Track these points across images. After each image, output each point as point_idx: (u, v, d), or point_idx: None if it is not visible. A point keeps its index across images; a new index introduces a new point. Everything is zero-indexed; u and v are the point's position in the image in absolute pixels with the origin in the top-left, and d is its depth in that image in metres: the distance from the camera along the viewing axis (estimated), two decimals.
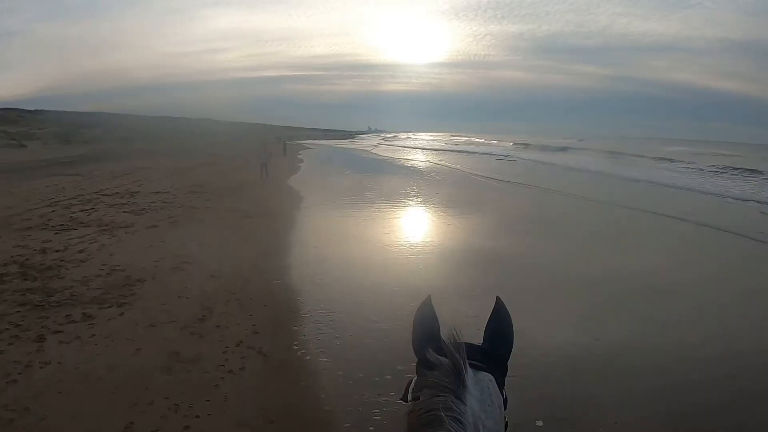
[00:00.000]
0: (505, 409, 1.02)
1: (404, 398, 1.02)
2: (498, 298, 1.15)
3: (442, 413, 0.84)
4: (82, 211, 11.88)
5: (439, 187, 19.75)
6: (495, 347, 1.08)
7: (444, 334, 1.00)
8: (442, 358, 0.93)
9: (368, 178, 22.21)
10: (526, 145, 58.84)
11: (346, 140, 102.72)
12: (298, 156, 39.08)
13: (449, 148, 57.82)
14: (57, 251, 8.38)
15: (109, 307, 5.88)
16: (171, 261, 7.53)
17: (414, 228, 11.50)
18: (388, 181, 21.08)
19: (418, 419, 0.87)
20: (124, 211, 11.89)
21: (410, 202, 14.98)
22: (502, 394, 1.02)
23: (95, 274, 7.07)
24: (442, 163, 33.95)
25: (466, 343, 0.97)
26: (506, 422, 1.00)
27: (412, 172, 26.92)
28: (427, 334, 1.06)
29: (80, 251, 8.33)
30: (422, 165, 32.76)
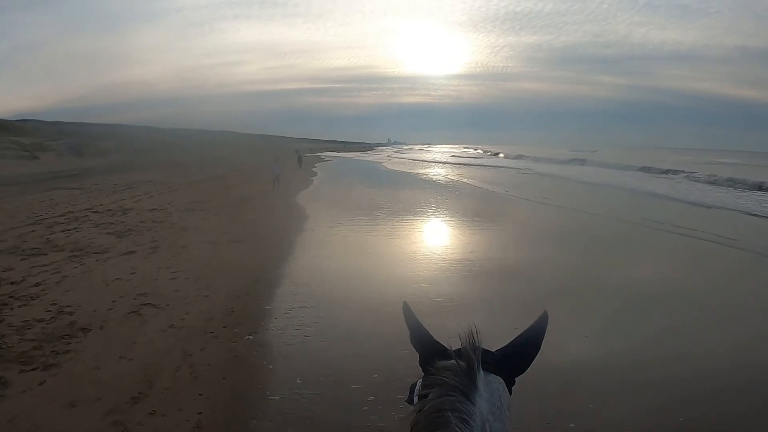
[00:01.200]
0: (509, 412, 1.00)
1: (409, 400, 1.00)
2: (545, 311, 1.14)
3: (449, 414, 0.84)
4: (64, 231, 10.83)
5: (453, 203, 18.26)
6: (515, 354, 1.05)
7: (461, 334, 0.97)
8: (454, 361, 0.92)
9: (381, 193, 20.82)
10: (536, 159, 56.32)
11: (365, 153, 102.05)
12: (313, 169, 38.14)
13: (460, 162, 55.35)
14: (12, 283, 7.23)
15: (32, 369, 4.61)
16: (130, 302, 6.23)
17: (432, 263, 9.05)
18: (401, 197, 19.67)
19: (425, 418, 0.86)
20: (107, 232, 10.78)
21: (423, 225, 13.54)
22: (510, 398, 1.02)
23: (38, 318, 5.85)
24: (448, 176, 32.45)
25: (481, 347, 0.98)
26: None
27: (426, 186, 25.45)
28: (426, 335, 1.07)
29: (36, 284, 7.15)
30: (434, 179, 31.23)
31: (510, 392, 1.02)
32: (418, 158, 65.05)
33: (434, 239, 11.81)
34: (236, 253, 8.99)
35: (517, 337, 1.09)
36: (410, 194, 20.69)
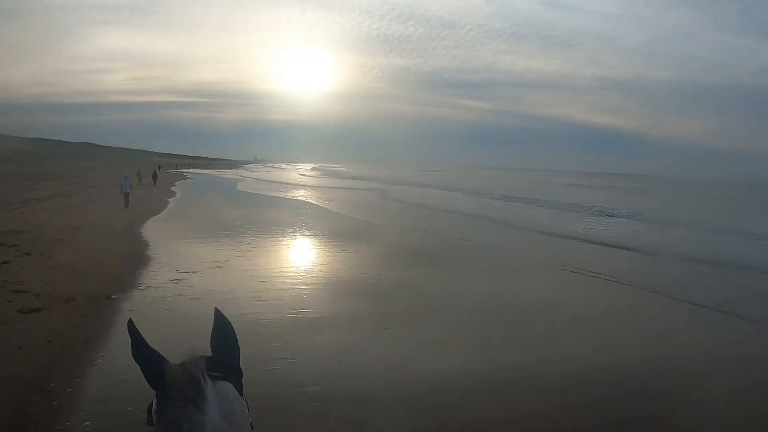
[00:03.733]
0: (248, 410, 1.04)
1: (149, 422, 0.98)
2: (216, 309, 1.15)
3: (184, 425, 0.86)
4: None
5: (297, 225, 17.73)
6: (224, 356, 1.08)
7: (181, 352, 1.00)
8: (178, 374, 0.94)
9: (238, 215, 19.40)
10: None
11: (230, 170, 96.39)
12: (172, 188, 34.56)
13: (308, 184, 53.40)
14: None
15: None
16: None
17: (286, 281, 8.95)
18: (259, 219, 18.54)
19: None
20: None
21: (276, 250, 12.67)
22: (243, 397, 1.04)
23: None
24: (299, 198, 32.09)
25: (204, 356, 1.02)
26: (251, 424, 1.03)
27: (277, 207, 24.52)
28: (152, 358, 1.02)
29: None
30: (286, 200, 30.41)
31: (242, 388, 1.07)
32: (275, 179, 59.91)
33: (289, 259, 11.85)
34: (27, 336, 5.91)
35: (213, 342, 1.12)
36: (266, 216, 19.65)
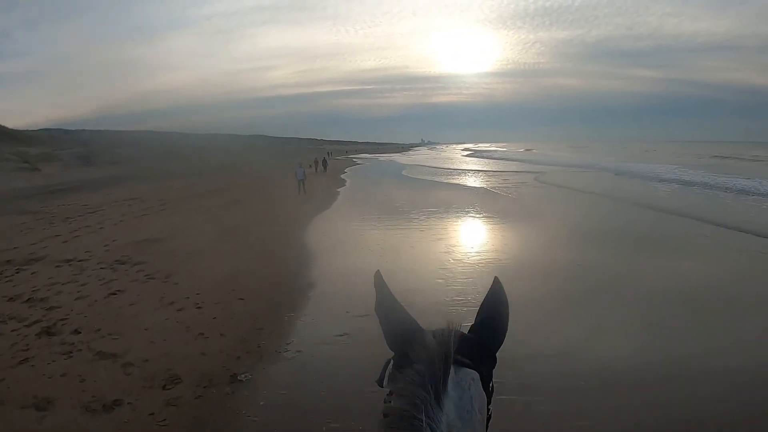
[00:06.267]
0: (489, 403, 0.91)
1: (380, 382, 0.91)
2: (496, 278, 1.00)
3: (414, 421, 0.75)
4: None
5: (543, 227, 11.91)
6: (484, 337, 0.93)
7: (436, 323, 0.88)
8: (424, 356, 0.80)
9: (428, 221, 14.35)
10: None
11: (403, 153, 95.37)
12: (342, 176, 32.35)
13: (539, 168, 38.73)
14: None
15: None
16: None
17: None
18: (456, 229, 13.38)
19: (389, 424, 0.78)
20: None
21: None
22: (489, 388, 0.91)
23: None
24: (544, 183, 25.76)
25: (461, 332, 0.90)
26: (490, 415, 0.91)
27: (494, 204, 19.03)
28: (397, 309, 0.93)
29: None
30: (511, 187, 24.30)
31: (489, 388, 0.92)
32: (439, 164, 55.86)
33: None
34: None
35: (479, 317, 0.97)
36: (488, 227, 14.24)
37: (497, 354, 0.92)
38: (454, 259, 8.46)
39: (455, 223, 12.75)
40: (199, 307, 5.68)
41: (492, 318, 0.95)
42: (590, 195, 19.31)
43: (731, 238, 10.42)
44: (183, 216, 13.54)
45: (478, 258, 8.59)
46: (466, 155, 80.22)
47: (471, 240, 10.79)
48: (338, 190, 22.18)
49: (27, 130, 56.72)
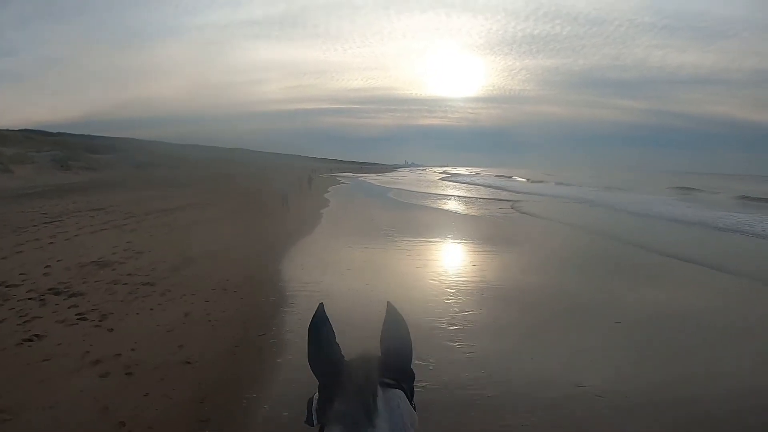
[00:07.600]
0: (416, 420, 0.96)
1: (309, 421, 0.94)
2: (389, 303, 1.06)
3: None
4: None
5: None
6: (398, 357, 0.99)
7: (349, 349, 0.93)
8: (351, 384, 0.86)
9: (419, 247, 13.42)
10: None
11: (386, 173, 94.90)
12: (326, 195, 31.23)
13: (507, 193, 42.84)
14: None
15: None
16: None
17: None
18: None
19: None
20: None
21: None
22: (412, 404, 0.97)
23: None
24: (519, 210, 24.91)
25: (377, 357, 0.96)
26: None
27: (480, 227, 18.04)
28: (324, 350, 0.97)
29: None
30: (483, 213, 23.41)
31: (413, 392, 0.99)
32: (417, 188, 56.18)
33: None
34: None
35: (384, 341, 1.02)
36: (463, 252, 13.42)
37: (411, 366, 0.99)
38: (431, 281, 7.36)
39: (421, 246, 11.71)
40: (129, 374, 4.37)
41: (397, 338, 1.00)
42: (562, 225, 18.62)
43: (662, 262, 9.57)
44: (145, 235, 12.15)
45: (453, 280, 7.50)
46: (442, 178, 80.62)
47: (438, 263, 9.73)
48: (321, 211, 20.96)
49: (2, 130, 54.20)
